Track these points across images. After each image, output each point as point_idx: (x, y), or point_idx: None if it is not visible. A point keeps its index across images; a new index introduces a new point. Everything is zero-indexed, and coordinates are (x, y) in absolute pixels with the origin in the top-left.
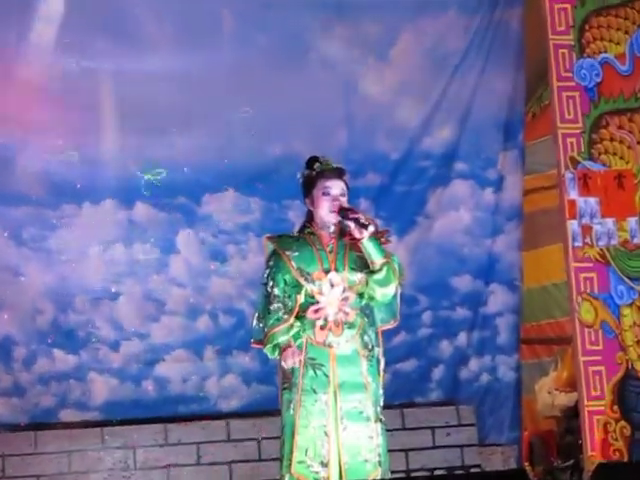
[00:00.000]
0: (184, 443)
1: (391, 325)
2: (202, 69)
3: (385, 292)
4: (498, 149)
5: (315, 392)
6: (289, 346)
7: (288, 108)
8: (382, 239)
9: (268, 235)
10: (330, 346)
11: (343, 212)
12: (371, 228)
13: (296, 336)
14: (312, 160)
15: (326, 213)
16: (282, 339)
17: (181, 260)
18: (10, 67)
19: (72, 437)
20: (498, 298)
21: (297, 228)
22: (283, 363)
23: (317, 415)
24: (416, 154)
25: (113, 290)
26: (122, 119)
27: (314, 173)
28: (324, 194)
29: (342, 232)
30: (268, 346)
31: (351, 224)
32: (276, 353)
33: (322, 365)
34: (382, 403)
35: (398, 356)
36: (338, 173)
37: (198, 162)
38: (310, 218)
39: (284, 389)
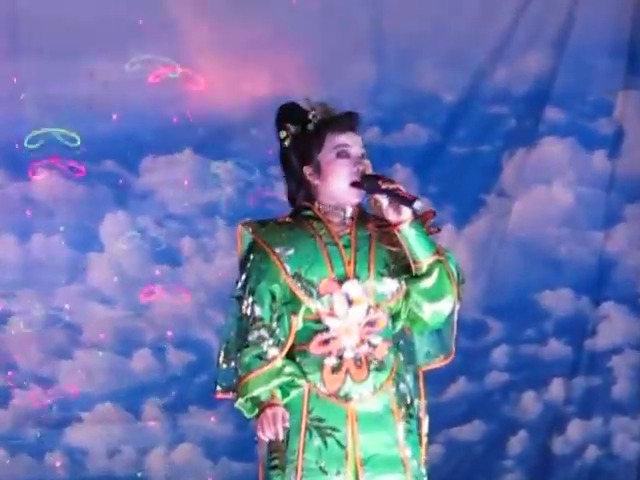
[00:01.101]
0: None
1: (440, 363)
2: None
3: (437, 309)
4: (616, 87)
5: (325, 472)
6: (270, 404)
7: (278, 24)
8: (426, 225)
9: (245, 220)
10: (348, 399)
11: (370, 182)
12: (418, 204)
13: (290, 385)
14: (291, 110)
15: (346, 186)
16: (264, 390)
17: (107, 261)
18: None
19: None
20: (615, 326)
21: (290, 210)
22: (259, 432)
23: None
24: (484, 95)
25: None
26: (13, 36)
27: (311, 126)
28: (340, 156)
29: (363, 216)
30: (241, 400)
31: (384, 200)
32: (256, 410)
33: (335, 430)
34: None
35: (454, 416)
36: (351, 123)
37: (134, 106)
38: (309, 195)
39: (273, 468)
